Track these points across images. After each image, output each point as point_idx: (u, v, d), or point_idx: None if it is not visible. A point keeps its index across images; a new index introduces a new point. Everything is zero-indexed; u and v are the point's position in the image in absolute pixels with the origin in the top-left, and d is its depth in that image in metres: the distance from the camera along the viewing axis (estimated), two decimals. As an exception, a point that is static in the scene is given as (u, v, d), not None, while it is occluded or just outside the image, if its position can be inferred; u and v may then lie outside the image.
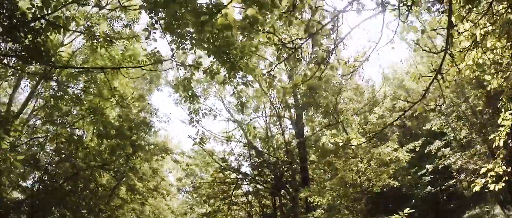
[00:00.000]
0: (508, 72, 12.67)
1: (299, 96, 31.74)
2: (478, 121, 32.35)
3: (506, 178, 11.59)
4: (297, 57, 8.58)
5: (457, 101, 33.70)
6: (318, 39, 8.19)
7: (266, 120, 34.50)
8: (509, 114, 11.57)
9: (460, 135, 33.33)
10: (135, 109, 26.88)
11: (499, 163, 11.63)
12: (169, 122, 31.01)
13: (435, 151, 33.49)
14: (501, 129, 11.61)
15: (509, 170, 11.62)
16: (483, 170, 11.86)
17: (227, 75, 12.00)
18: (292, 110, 33.04)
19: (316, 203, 24.76)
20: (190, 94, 14.60)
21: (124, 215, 28.94)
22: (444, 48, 7.46)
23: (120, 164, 23.42)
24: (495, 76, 12.86)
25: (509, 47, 11.13)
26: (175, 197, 38.53)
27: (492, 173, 11.74)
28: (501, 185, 11.46)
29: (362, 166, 24.14)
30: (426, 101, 37.66)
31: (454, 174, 32.71)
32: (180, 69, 14.44)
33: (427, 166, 33.72)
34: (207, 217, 32.80)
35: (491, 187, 11.64)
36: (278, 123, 33.76)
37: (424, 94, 7.81)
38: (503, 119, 11.65)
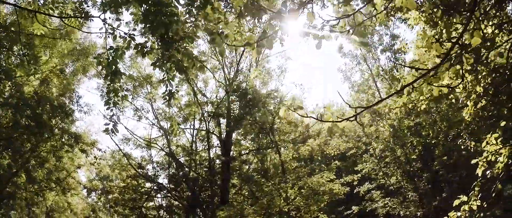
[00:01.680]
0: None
1: (233, 110, 29.37)
2: (411, 169, 31.71)
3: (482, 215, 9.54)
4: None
5: (393, 147, 33.05)
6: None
7: (193, 132, 31.61)
8: (495, 138, 9.72)
9: (391, 180, 32.40)
10: (55, 88, 23.59)
11: (476, 196, 9.61)
12: (90, 113, 27.32)
13: (363, 192, 32.19)
14: (485, 154, 9.75)
15: (485, 205, 9.62)
16: (456, 202, 9.77)
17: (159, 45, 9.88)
18: (223, 126, 30.59)
19: (235, 226, 22.00)
20: (113, 69, 11.76)
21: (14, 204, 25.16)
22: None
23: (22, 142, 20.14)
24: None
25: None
26: (81, 198, 34.18)
27: (466, 207, 9.69)
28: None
29: (292, 193, 21.98)
30: (362, 144, 36.91)
31: (381, 218, 31.47)
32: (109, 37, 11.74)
33: (353, 207, 32.06)
34: (111, 225, 28.86)
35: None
36: (205, 138, 30.98)
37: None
38: (487, 144, 9.78)
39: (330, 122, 6.45)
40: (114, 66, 12.19)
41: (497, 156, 9.85)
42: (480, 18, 8.39)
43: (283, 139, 26.99)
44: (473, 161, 10.07)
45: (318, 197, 21.62)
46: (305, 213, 21.62)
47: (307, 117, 6.38)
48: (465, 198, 9.77)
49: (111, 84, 12.66)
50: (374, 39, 39.05)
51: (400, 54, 37.42)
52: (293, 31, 7.02)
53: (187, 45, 10.75)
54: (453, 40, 9.92)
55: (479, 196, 9.77)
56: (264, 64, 31.86)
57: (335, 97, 78.17)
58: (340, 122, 6.48)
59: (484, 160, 9.78)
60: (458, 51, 8.55)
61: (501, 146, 9.84)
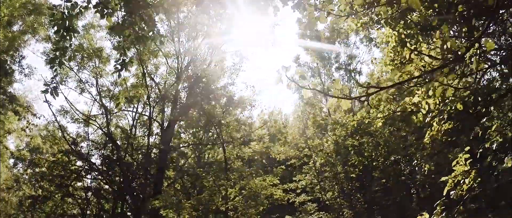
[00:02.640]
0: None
1: (181, 98, 28.26)
2: (349, 187, 31.93)
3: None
4: None
5: (335, 162, 33.22)
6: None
7: (134, 116, 30.11)
8: (464, 159, 9.49)
9: (327, 195, 32.46)
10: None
11: (439, 215, 9.31)
12: (31, 76, 25.27)
13: (299, 203, 31.96)
14: (455, 172, 9.49)
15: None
16: (417, 220, 9.44)
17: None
18: (167, 114, 29.38)
19: (168, 219, 20.77)
20: (66, 25, 10.58)
21: None
22: None
23: None
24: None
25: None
26: (6, 166, 31.43)
27: (428, 225, 9.37)
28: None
29: (232, 192, 21.18)
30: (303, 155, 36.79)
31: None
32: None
33: (287, 217, 31.67)
34: (34, 201, 26.39)
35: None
36: (147, 124, 29.56)
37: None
38: (457, 163, 9.53)
39: (337, 97, 5.83)
40: (68, 22, 11.04)
41: (463, 177, 9.64)
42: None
43: (230, 135, 26.09)
44: (443, 178, 9.77)
45: (259, 200, 20.96)
46: (242, 215, 20.86)
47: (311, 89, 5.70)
48: (427, 216, 9.46)
49: (61, 42, 11.48)
50: (331, 56, 39.38)
51: (355, 73, 37.92)
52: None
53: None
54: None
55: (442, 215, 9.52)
56: (220, 58, 30.92)
57: (282, 105, 78.94)
58: (349, 100, 5.85)
59: (452, 179, 9.51)
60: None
61: (469, 168, 9.64)
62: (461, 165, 9.61)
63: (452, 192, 9.71)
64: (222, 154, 26.12)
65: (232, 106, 26.46)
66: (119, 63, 12.44)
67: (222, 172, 22.58)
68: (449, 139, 13.05)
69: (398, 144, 31.40)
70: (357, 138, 32.42)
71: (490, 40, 10.66)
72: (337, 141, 33.29)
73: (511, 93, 11.18)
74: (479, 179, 9.62)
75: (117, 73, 10.76)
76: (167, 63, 29.55)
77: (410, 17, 12.28)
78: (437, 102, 11.37)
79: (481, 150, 10.58)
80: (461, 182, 9.71)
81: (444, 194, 9.63)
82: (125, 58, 12.39)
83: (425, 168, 14.96)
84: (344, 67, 38.61)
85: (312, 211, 31.04)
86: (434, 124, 11.94)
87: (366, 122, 19.00)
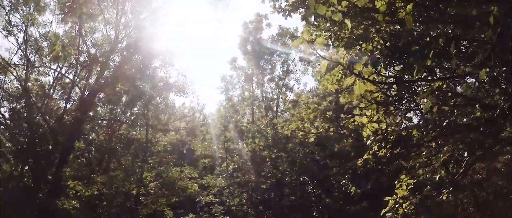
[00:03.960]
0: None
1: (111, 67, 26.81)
2: (258, 197, 32.18)
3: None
4: None
5: (249, 169, 33.46)
6: None
7: (57, 76, 28.09)
8: (406, 185, 9.84)
9: (234, 200, 32.45)
10: None
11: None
12: None
13: (205, 203, 31.71)
14: (394, 197, 9.79)
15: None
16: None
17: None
18: (91, 82, 27.72)
19: (74, 191, 19.30)
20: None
21: None
22: None
23: None
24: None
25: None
26: None
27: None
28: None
29: (148, 176, 20.26)
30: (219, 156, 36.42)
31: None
32: None
33: (191, 215, 31.13)
34: None
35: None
36: (68, 87, 27.67)
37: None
38: (399, 186, 9.85)
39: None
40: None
41: (402, 201, 9.96)
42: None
43: (157, 117, 25.02)
44: (387, 198, 10.02)
45: (176, 190, 20.26)
46: (152, 203, 20.01)
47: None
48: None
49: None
50: (266, 67, 39.65)
51: (286, 90, 38.57)
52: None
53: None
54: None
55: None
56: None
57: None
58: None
59: (394, 202, 9.79)
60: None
61: (408, 194, 9.99)
62: (403, 189, 9.93)
63: (388, 214, 10.01)
64: (142, 135, 25.01)
65: (165, 90, 25.45)
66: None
67: (142, 152, 21.59)
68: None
69: (311, 166, 32.27)
70: (275, 151, 32.86)
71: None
72: (254, 149, 33.49)
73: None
74: (413, 207, 10.01)
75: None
76: (106, 29, 27.98)
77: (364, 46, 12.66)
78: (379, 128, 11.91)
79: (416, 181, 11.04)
80: (397, 206, 10.04)
81: (381, 214, 9.89)
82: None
83: (351, 190, 15.36)
84: (276, 80, 39.03)
85: (217, 214, 30.77)
86: (375, 147, 12.29)
87: (300, 135, 19.11)
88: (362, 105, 11.79)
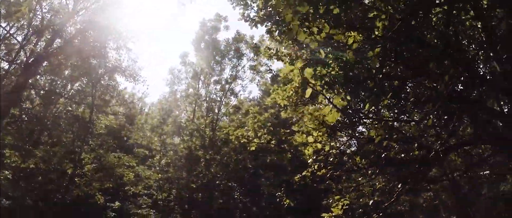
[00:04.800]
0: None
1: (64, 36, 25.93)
2: (186, 195, 32.33)
3: None
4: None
5: (181, 166, 33.59)
6: None
7: (3, 36, 26.68)
8: (342, 205, 10.71)
9: (162, 195, 32.42)
10: None
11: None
12: None
13: (131, 192, 31.35)
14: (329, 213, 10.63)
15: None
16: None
17: None
18: (40, 47, 26.63)
19: (9, 161, 18.52)
20: None
21: None
22: None
23: None
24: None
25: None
26: None
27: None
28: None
29: (86, 158, 19.90)
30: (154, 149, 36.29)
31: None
32: None
33: (117, 202, 30.70)
34: None
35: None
36: (16, 50, 26.39)
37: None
38: (335, 206, 10.70)
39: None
40: None
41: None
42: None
43: (103, 98, 24.37)
44: (324, 214, 10.78)
45: (111, 176, 20.04)
46: (85, 186, 19.67)
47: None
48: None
49: None
50: (215, 68, 39.91)
51: (231, 95, 39.04)
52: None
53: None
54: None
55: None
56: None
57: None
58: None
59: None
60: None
61: (342, 213, 10.84)
62: (338, 208, 10.77)
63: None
64: (86, 114, 24.27)
65: (116, 72, 24.85)
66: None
67: (84, 132, 21.10)
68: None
69: (243, 173, 32.95)
70: (210, 152, 33.26)
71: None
72: (190, 147, 33.67)
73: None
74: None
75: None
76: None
77: (319, 70, 13.50)
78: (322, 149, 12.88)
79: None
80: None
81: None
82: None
83: (286, 202, 16.03)
84: (222, 83, 39.33)
85: (144, 206, 30.59)
86: (315, 166, 13.13)
87: (242, 141, 19.54)
88: (312, 125, 12.67)
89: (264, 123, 18.46)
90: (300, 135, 14.60)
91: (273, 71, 33.07)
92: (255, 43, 32.02)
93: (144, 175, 27.88)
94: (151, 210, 30.15)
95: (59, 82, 28.06)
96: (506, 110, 10.81)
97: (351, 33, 7.86)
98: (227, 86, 38.85)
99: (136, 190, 30.31)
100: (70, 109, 28.13)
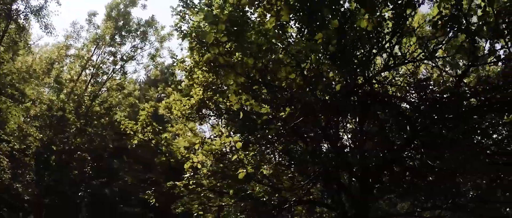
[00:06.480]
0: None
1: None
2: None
3: None
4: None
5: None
6: None
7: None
8: None
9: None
10: None
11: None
12: None
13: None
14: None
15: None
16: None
17: None
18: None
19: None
20: None
21: None
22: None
23: None
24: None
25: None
26: None
27: None
28: None
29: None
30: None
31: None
32: None
33: None
34: None
35: None
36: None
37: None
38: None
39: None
40: None
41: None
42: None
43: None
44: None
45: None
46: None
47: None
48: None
49: None
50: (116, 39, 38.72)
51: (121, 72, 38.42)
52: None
53: None
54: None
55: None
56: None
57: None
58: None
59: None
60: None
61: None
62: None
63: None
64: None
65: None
66: None
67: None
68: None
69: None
70: (82, 121, 32.52)
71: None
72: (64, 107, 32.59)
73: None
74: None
75: None
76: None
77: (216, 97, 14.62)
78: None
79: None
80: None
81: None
82: None
83: (152, 201, 16.57)
84: (117, 58, 38.19)
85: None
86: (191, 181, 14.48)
87: (127, 132, 19.38)
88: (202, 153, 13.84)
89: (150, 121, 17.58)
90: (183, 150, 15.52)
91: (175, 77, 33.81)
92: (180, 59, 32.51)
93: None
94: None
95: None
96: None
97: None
98: (121, 63, 37.82)
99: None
100: None
